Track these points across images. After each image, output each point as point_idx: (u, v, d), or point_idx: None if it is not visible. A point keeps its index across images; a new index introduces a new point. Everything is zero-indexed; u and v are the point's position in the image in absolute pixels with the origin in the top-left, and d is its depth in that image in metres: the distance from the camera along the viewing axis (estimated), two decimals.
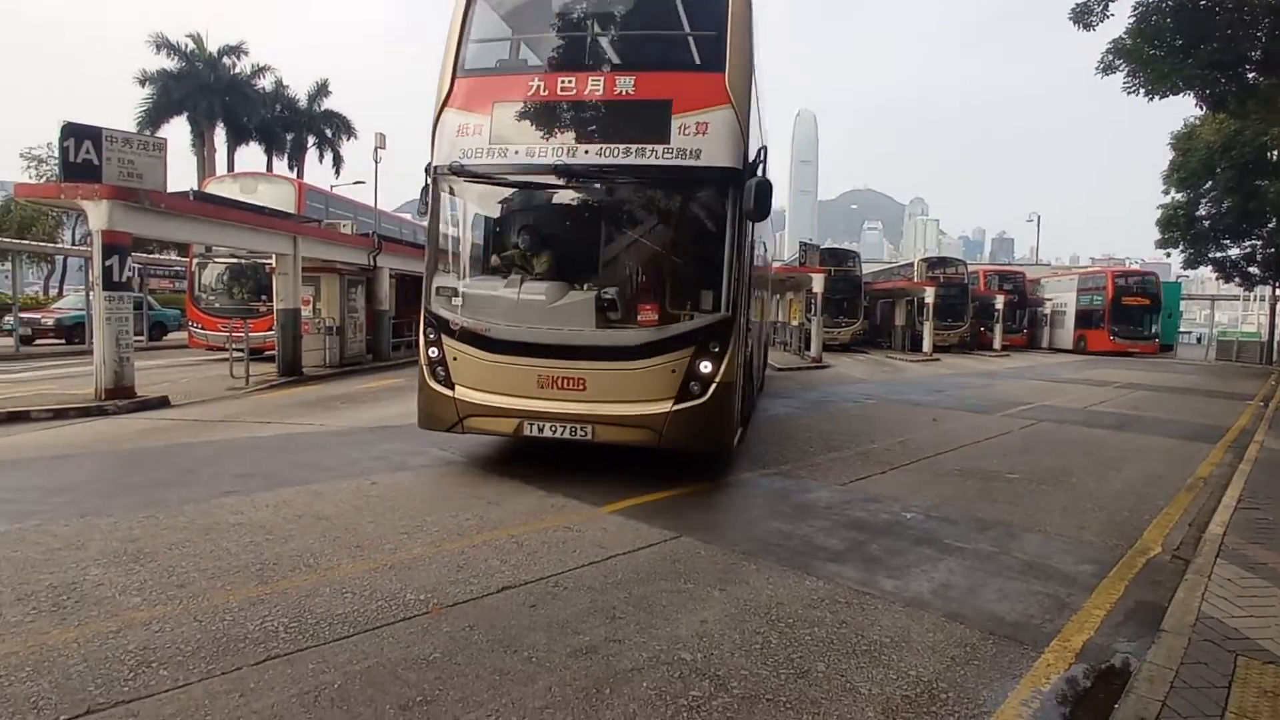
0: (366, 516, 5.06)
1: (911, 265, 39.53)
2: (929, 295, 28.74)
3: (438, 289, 6.46)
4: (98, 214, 9.30)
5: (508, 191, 6.70)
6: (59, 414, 8.91)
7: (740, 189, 5.87)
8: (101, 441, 7.45)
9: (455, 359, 6.29)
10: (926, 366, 23.77)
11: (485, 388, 6.19)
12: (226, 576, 3.89)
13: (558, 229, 6.73)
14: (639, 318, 6.05)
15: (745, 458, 7.62)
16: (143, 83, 31.95)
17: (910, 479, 6.91)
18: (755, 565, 4.38)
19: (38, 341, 19.46)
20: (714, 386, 5.86)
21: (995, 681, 3.11)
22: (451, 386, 6.30)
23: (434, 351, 6.37)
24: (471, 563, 4.23)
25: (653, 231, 6.37)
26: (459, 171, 6.21)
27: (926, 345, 28.61)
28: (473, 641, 3.26)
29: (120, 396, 9.57)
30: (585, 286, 6.25)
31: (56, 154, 11.24)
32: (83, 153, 9.29)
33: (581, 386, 5.99)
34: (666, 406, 5.86)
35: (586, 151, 5.98)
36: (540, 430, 6.05)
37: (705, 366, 5.84)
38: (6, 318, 19.51)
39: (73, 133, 9.34)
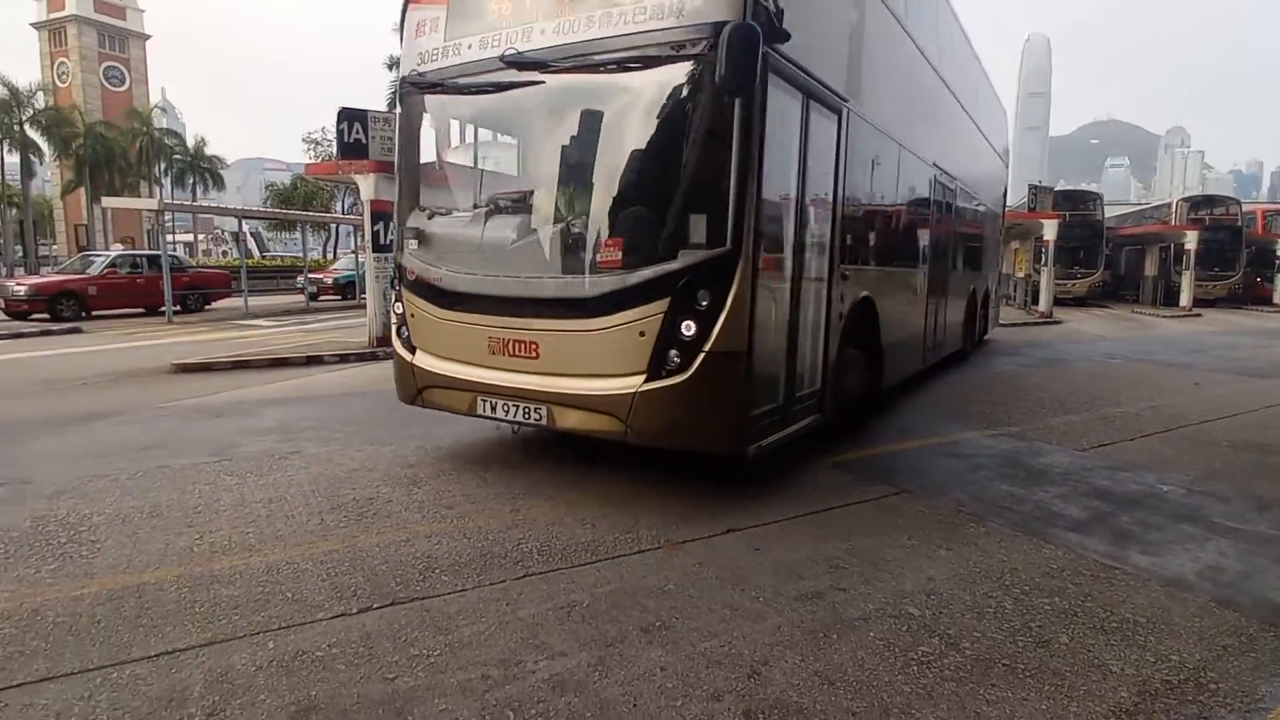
0: (600, 454, 5.48)
1: (1167, 206, 34.42)
2: (1190, 241, 24.93)
3: (404, 231, 5.37)
4: (366, 186, 10.68)
5: (476, 101, 5.08)
6: (343, 358, 10.54)
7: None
8: (378, 382, 8.64)
9: (413, 316, 5.19)
10: (1183, 323, 20.84)
11: (442, 353, 5.03)
12: (485, 503, 4.43)
13: (532, 145, 5.32)
14: (598, 257, 4.34)
15: (969, 417, 7.25)
16: (390, 66, 35.52)
17: (1165, 448, 6.20)
18: (984, 528, 4.21)
19: (321, 298, 23.22)
20: (701, 356, 4.07)
21: (1278, 678, 2.79)
22: (413, 350, 5.20)
23: (399, 307, 5.35)
24: (699, 504, 4.47)
25: (637, 136, 4.42)
26: (417, 84, 5.06)
27: (1185, 298, 25.01)
28: (703, 577, 3.48)
29: (389, 344, 11.11)
30: (557, 219, 4.68)
31: (330, 136, 12.96)
32: (354, 133, 10.65)
33: (534, 353, 4.56)
34: (634, 384, 4.20)
35: (543, 31, 4.46)
36: (493, 409, 4.69)
37: (688, 327, 4.09)
38: (299, 278, 23.67)
39: (346, 116, 10.73)
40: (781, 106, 4.52)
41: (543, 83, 4.54)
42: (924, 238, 8.35)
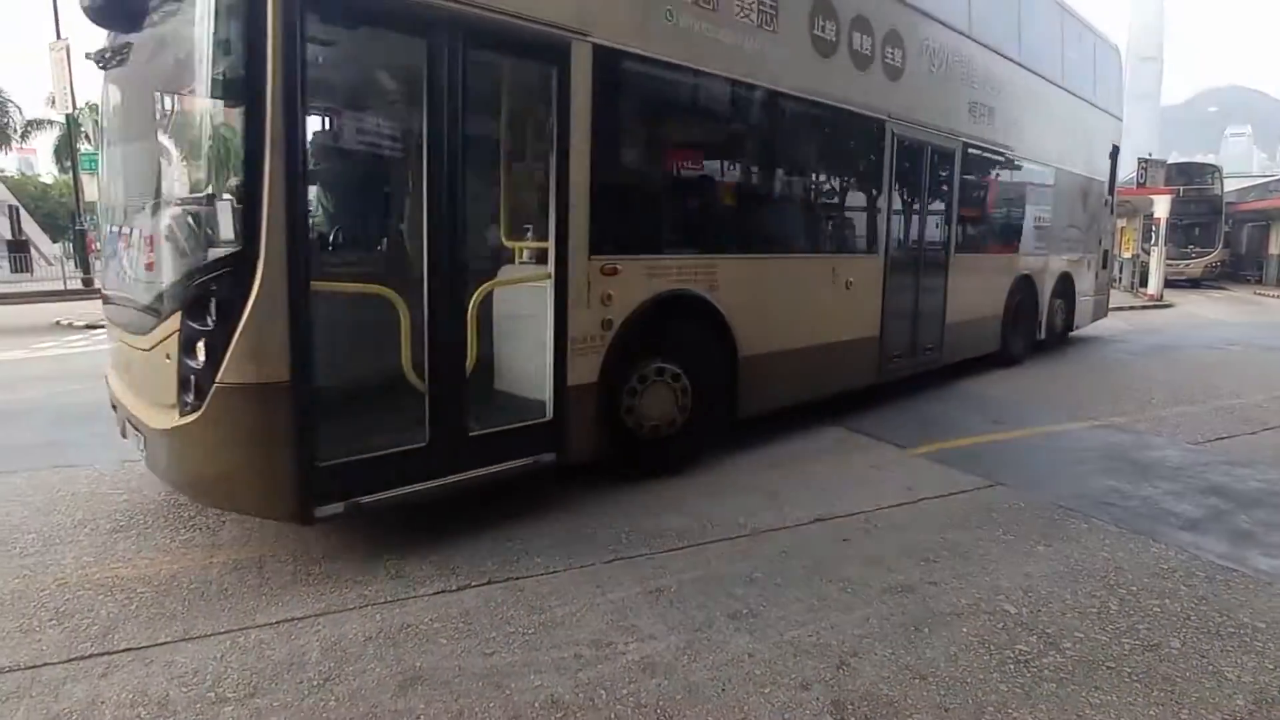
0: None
1: None
2: None
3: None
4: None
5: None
6: None
7: None
8: None
9: None
10: None
11: (110, 363, 4.37)
12: (574, 488, 4.53)
13: (108, 129, 4.56)
14: (142, 259, 3.60)
15: (1069, 407, 6.93)
16: None
17: None
18: (1087, 524, 4.04)
19: None
20: (213, 391, 3.01)
21: None
22: None
23: None
24: (783, 493, 4.46)
25: (166, 105, 3.67)
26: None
27: None
28: (789, 567, 3.48)
29: None
30: (125, 214, 4.05)
31: None
32: None
33: (129, 371, 3.89)
34: (163, 422, 3.27)
35: None
36: (126, 435, 3.84)
37: (197, 352, 3.06)
38: None
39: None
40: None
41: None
42: (870, 211, 6.61)
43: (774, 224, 5.77)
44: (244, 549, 3.63)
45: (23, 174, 58.32)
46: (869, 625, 2.95)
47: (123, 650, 2.73)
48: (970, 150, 7.75)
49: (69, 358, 9.88)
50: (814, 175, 6.31)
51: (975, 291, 8.14)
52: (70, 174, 24.58)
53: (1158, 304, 18.95)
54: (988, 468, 4.99)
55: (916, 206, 7.12)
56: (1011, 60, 8.32)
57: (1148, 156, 25.82)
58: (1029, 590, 3.26)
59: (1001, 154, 8.41)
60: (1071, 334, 11.24)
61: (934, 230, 7.48)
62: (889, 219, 6.68)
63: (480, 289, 3.87)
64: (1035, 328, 9.63)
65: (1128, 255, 22.46)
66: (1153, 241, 20.24)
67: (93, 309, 13.51)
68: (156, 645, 2.77)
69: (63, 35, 17.41)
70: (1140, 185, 22.06)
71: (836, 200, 6.54)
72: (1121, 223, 22.73)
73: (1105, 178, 11.48)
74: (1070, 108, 9.95)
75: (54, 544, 3.67)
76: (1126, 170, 24.45)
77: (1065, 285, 10.46)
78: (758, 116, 5.37)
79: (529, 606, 3.05)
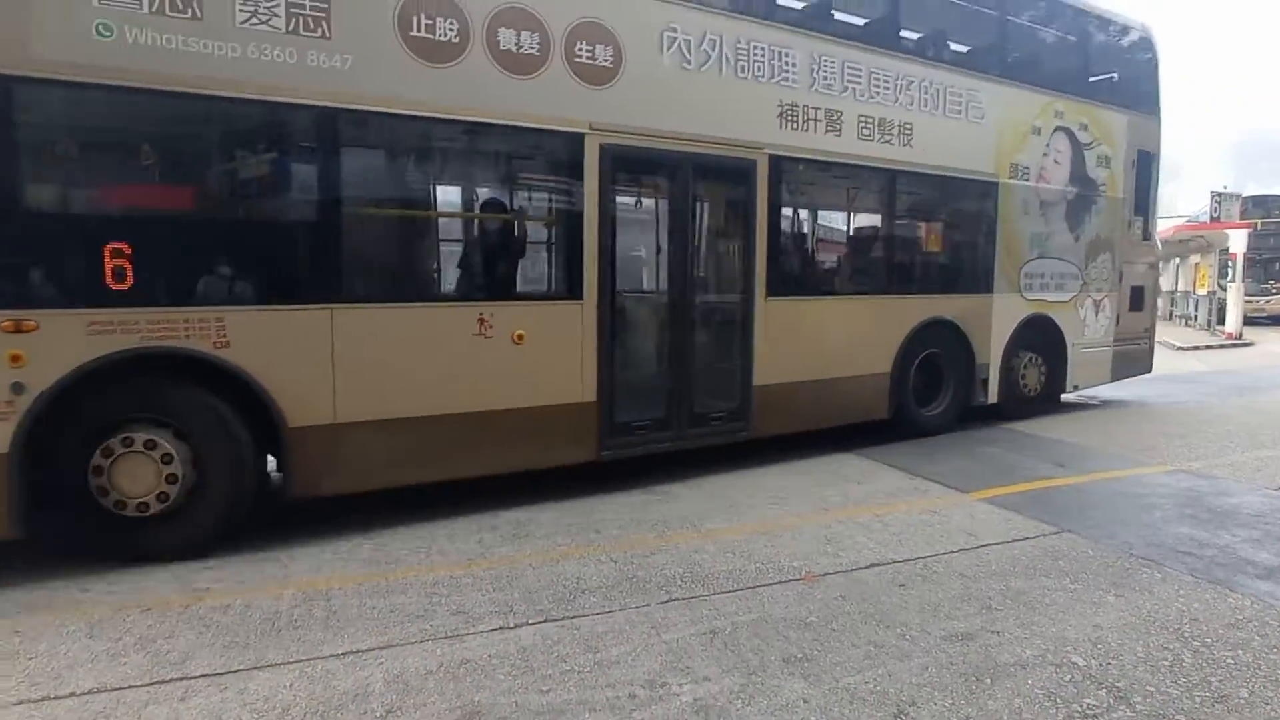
0: (739, 481, 5.56)
1: None
2: None
3: None
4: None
5: None
6: None
7: None
8: None
9: None
10: None
11: None
12: (630, 528, 4.60)
13: None
14: None
15: (1137, 449, 6.68)
16: None
17: None
18: (1159, 573, 3.89)
19: None
20: None
21: None
22: None
23: None
24: (838, 537, 4.42)
25: None
26: None
27: None
28: (845, 611, 3.44)
29: None
30: None
31: None
32: None
33: None
34: None
35: None
36: None
37: None
38: None
39: None
40: None
41: None
42: (562, 246, 5.42)
43: (354, 265, 4.63)
44: (313, 581, 3.78)
45: None
46: (928, 674, 2.90)
47: (199, 676, 2.87)
48: (792, 164, 6.26)
49: None
50: (438, 206, 5.50)
51: (822, 343, 6.52)
52: None
53: (1236, 342, 18.12)
54: (1053, 513, 4.85)
55: (668, 240, 5.75)
56: (880, 49, 6.70)
57: (1222, 190, 24.94)
58: (1098, 642, 3.15)
59: (865, 166, 6.70)
60: (1077, 395, 9.33)
61: (717, 268, 6.39)
62: (604, 256, 5.28)
63: None
64: (972, 388, 7.62)
65: (1203, 292, 21.59)
66: (1229, 278, 19.42)
67: None
68: (231, 672, 2.89)
69: None
70: (1214, 219, 21.29)
71: (491, 235, 5.42)
72: (1196, 258, 21.94)
73: (1122, 192, 8.83)
74: (1027, 105, 7.81)
75: (143, 573, 3.88)
76: (1196, 203, 23.58)
77: (1040, 333, 8.19)
78: (307, 139, 4.46)
79: (585, 645, 3.09)
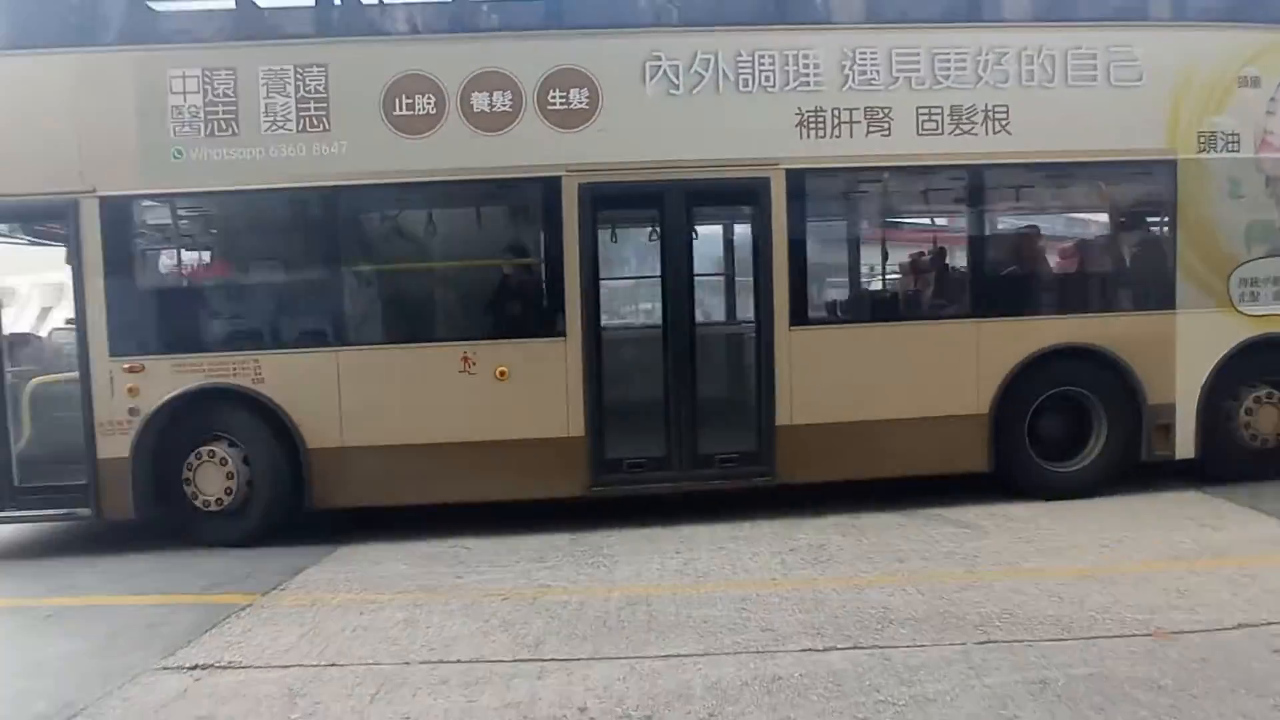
0: (1059, 519, 5.08)
1: None
2: None
3: None
4: None
5: None
6: None
7: None
8: None
9: None
10: None
11: None
12: (936, 560, 4.43)
13: None
14: None
15: None
16: None
17: None
18: None
19: None
20: None
21: None
22: None
23: None
24: (1193, 590, 3.82)
25: None
26: None
27: None
28: (1207, 676, 2.98)
29: None
30: None
31: None
32: None
33: None
34: None
35: None
36: None
37: None
38: None
39: None
40: None
41: None
42: (543, 286, 5.69)
43: (358, 314, 5.67)
44: (634, 587, 4.18)
45: None
46: None
47: (550, 659, 3.34)
48: (818, 176, 5.64)
49: None
50: (426, 257, 5.99)
51: (870, 378, 5.54)
52: None
53: None
54: None
55: (663, 270, 5.63)
56: (941, 24, 5.84)
57: None
58: None
59: (934, 166, 5.70)
60: None
61: (722, 298, 6.47)
62: (586, 293, 5.37)
63: None
64: (1141, 438, 5.65)
65: None
66: None
67: None
68: (574, 660, 3.32)
69: None
70: None
71: (475, 280, 5.97)
72: None
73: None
74: (1230, 49, 5.68)
75: (497, 566, 4.62)
76: None
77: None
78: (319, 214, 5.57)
79: (898, 678, 3.05)
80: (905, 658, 3.22)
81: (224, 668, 3.39)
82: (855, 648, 3.33)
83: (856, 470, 5.60)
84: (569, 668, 3.26)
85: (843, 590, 3.98)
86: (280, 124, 5.25)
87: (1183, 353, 5.64)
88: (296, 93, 5.25)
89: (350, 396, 5.32)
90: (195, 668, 3.38)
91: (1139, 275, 5.99)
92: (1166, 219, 5.80)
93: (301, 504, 5.36)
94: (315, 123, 5.26)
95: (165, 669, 3.40)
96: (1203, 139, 5.61)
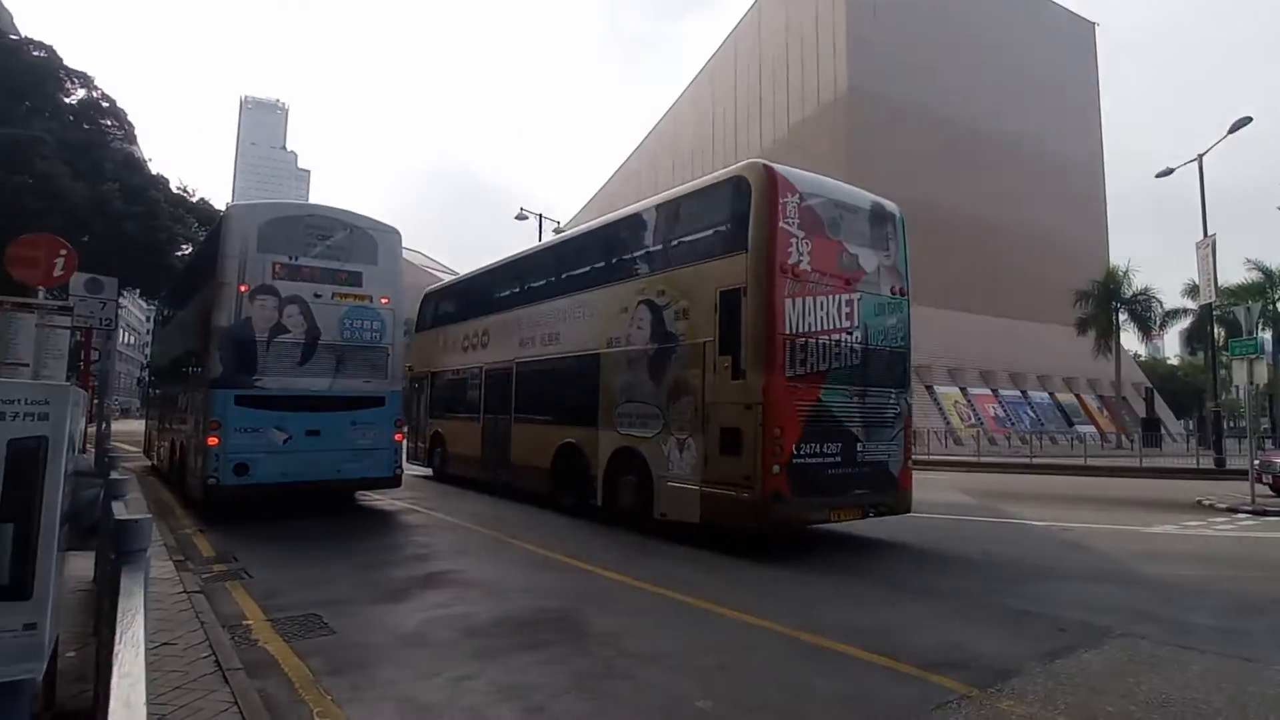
0: None
1: None
2: None
3: None
4: None
5: None
6: None
7: None
8: None
9: None
10: None
11: None
12: None
13: None
14: None
15: None
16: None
17: None
18: None
19: None
20: None
21: None
22: None
23: None
24: None
25: None
26: None
27: None
28: None
29: None
30: None
31: None
32: None
33: None
34: None
35: None
36: None
37: None
38: None
39: None
40: None
41: None
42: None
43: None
44: None
45: (1152, 358, 70.74)
46: None
47: None
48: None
49: (1217, 540, 9.95)
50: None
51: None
52: (1202, 357, 31.63)
53: None
54: None
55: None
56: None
57: None
58: None
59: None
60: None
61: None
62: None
63: None
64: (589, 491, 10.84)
65: None
66: None
67: (1230, 490, 15.15)
68: None
69: (1209, 234, 19.46)
70: None
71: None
72: None
73: (701, 337, 8.85)
74: (617, 295, 10.66)
75: None
76: None
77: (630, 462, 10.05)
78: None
79: None
80: None
81: None
82: None
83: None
84: None
85: None
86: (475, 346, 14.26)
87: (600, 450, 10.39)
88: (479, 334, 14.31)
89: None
90: None
91: (592, 407, 10.52)
92: (597, 383, 10.42)
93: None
94: (479, 345, 14.15)
95: None
96: (609, 341, 10.33)
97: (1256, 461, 14.09)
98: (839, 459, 8.19)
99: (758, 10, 51.67)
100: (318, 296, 10.47)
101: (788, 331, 7.85)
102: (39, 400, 2.98)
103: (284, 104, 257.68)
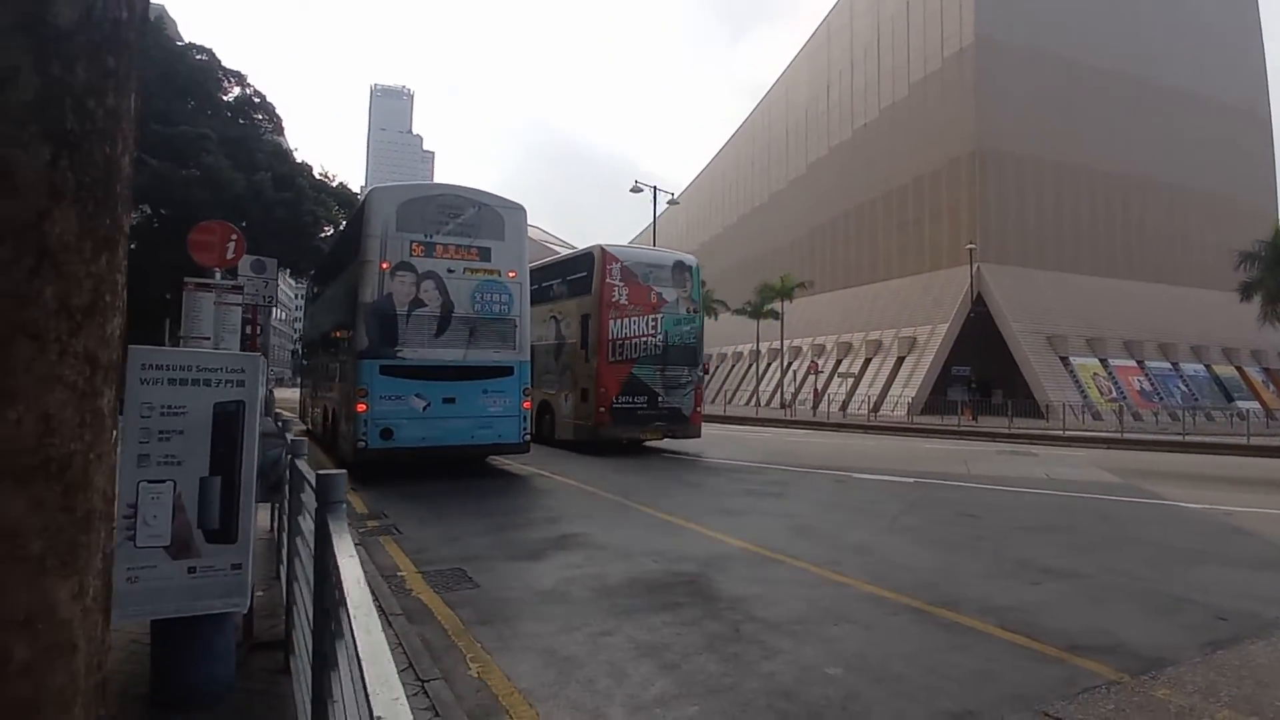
0: None
1: None
2: None
3: None
4: None
5: None
6: None
7: None
8: None
9: None
10: None
11: None
12: None
13: None
14: None
15: None
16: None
17: None
18: None
19: None
20: None
21: None
22: None
23: None
24: None
25: None
26: None
27: None
28: None
29: None
30: None
31: None
32: None
33: None
34: None
35: None
36: None
37: None
38: None
39: None
40: None
41: None
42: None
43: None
44: None
45: None
46: None
47: None
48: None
49: None
50: None
51: None
52: None
53: None
54: None
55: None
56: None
57: None
58: None
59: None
60: None
61: None
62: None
63: None
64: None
65: None
66: None
67: None
68: None
69: None
70: None
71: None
72: None
73: (576, 339, 16.18)
74: (539, 313, 15.20)
75: None
76: None
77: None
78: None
79: None
80: None
81: None
82: None
83: None
84: None
85: None
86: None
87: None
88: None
89: None
90: None
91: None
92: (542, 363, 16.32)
93: None
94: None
95: None
96: (538, 338, 15.65)
97: None
98: (646, 405, 15.16)
99: None
100: (451, 272, 11.09)
101: (611, 337, 14.87)
102: (237, 369, 3.40)
103: (409, 90, 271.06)
